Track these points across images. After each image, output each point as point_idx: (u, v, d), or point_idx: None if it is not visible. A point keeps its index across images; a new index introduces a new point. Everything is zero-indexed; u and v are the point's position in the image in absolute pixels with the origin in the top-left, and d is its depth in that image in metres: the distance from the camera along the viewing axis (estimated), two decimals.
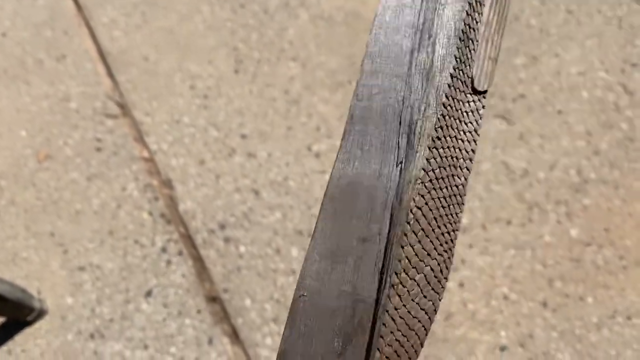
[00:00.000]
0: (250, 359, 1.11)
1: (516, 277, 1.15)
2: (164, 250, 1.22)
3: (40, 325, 1.17)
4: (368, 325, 0.29)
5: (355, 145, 0.32)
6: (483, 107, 0.36)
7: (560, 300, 1.13)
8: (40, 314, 1.17)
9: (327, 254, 0.30)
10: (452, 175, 0.33)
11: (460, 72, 0.33)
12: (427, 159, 0.31)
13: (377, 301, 0.29)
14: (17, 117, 1.41)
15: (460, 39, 0.33)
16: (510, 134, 1.30)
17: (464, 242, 1.18)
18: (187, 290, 1.18)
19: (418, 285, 0.31)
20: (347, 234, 0.30)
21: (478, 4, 0.35)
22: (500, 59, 1.40)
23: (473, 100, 0.35)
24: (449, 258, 0.33)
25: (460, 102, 0.34)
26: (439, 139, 0.32)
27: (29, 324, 1.17)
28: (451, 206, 0.33)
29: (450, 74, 0.32)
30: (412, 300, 0.31)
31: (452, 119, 0.33)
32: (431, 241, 0.32)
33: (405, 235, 0.30)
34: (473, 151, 0.35)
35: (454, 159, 0.33)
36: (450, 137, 0.33)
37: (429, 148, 0.31)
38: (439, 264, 0.33)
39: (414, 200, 0.30)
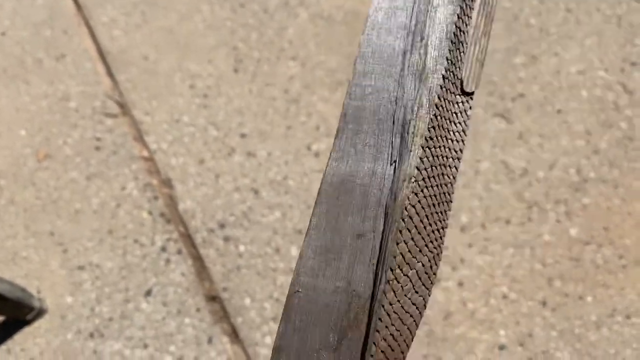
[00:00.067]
0: (250, 358, 1.11)
1: (515, 276, 1.15)
2: (163, 249, 1.22)
3: (39, 325, 1.17)
4: (364, 320, 0.29)
5: (349, 143, 0.33)
6: (470, 108, 0.37)
7: (559, 299, 1.13)
8: (40, 313, 1.17)
9: (321, 250, 0.31)
10: (442, 174, 0.34)
11: (451, 73, 0.34)
12: (420, 158, 0.31)
13: (373, 296, 0.29)
14: (16, 117, 1.41)
15: (451, 41, 0.34)
16: (509, 133, 1.30)
17: (463, 241, 1.19)
18: (186, 289, 1.18)
19: (410, 281, 0.32)
20: (341, 230, 0.31)
21: (468, 7, 0.36)
22: (499, 58, 1.40)
23: (462, 101, 0.36)
24: (438, 254, 0.34)
25: (451, 103, 0.34)
26: (431, 138, 0.32)
27: (28, 323, 1.17)
28: (441, 204, 0.34)
29: (442, 75, 0.33)
30: (405, 295, 0.31)
31: (443, 119, 0.34)
32: (423, 238, 0.32)
33: (400, 232, 0.30)
34: (461, 150, 0.36)
35: (444, 158, 0.34)
36: (441, 137, 0.34)
37: (422, 147, 0.32)
38: (429, 260, 0.33)
39: (408, 198, 0.31)
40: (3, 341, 1.16)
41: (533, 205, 1.22)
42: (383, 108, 0.33)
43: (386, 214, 0.31)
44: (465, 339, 1.10)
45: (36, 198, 1.30)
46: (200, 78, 1.43)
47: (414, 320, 0.33)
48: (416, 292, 0.32)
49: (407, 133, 0.32)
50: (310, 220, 0.32)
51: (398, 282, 0.30)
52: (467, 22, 0.36)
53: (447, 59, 0.33)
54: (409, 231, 0.31)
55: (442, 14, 0.34)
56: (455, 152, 0.36)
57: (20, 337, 1.16)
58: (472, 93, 0.36)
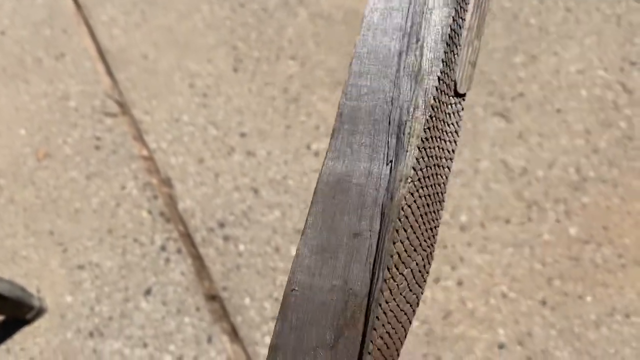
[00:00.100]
0: (250, 357, 1.11)
1: (515, 276, 1.15)
2: (163, 248, 1.22)
3: (39, 324, 1.17)
4: (361, 318, 0.29)
5: (345, 143, 0.33)
6: (462, 109, 0.37)
7: (559, 298, 1.13)
8: (40, 312, 1.17)
9: (317, 249, 0.31)
10: (436, 174, 0.35)
11: (446, 75, 0.35)
12: (416, 159, 0.32)
13: (370, 294, 0.30)
14: (16, 116, 1.41)
15: (446, 43, 0.34)
16: (509, 133, 1.30)
17: (463, 241, 1.19)
18: (186, 289, 1.18)
19: (406, 279, 0.32)
20: (337, 229, 0.31)
21: (462, 9, 0.36)
22: (499, 58, 1.40)
23: (455, 103, 0.36)
24: (431, 253, 0.35)
25: (445, 104, 0.35)
26: (426, 139, 0.33)
27: (28, 322, 1.17)
28: (435, 203, 0.35)
29: (438, 77, 0.33)
30: (401, 293, 0.32)
31: (437, 120, 0.34)
32: (417, 237, 0.33)
33: (397, 231, 0.30)
34: (454, 151, 0.37)
35: (438, 158, 0.35)
36: (436, 138, 0.34)
37: (418, 148, 0.32)
38: (423, 259, 0.34)
39: (405, 198, 0.31)
40: (3, 340, 1.16)
41: (532, 204, 1.22)
42: (379, 108, 0.33)
43: (383, 214, 0.31)
44: (465, 338, 1.11)
45: (36, 197, 1.30)
46: (199, 77, 1.43)
47: (408, 318, 0.33)
48: (410, 290, 0.33)
49: (403, 133, 0.32)
50: (307, 219, 0.32)
51: (394, 281, 0.31)
52: (461, 25, 0.36)
53: (443, 61, 0.34)
54: (405, 230, 0.31)
55: (438, 16, 0.35)
56: (449, 152, 0.36)
57: (20, 337, 1.16)
58: (465, 94, 0.37)
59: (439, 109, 0.34)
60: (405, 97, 0.33)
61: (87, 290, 1.19)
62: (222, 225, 1.24)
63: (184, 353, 1.12)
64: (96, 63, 1.48)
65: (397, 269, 0.31)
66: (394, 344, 0.32)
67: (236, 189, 1.27)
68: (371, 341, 0.29)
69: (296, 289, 0.30)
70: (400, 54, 0.34)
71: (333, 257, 0.31)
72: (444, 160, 0.36)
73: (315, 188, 0.32)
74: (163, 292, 1.18)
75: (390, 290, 0.30)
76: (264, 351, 1.12)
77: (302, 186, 1.27)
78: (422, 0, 0.35)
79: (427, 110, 0.33)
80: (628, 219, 1.19)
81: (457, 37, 0.35)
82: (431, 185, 0.34)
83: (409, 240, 0.32)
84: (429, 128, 0.33)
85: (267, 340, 1.13)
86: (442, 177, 0.36)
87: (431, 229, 0.35)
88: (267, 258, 1.20)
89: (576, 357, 1.08)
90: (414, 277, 0.33)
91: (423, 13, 0.35)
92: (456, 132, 0.37)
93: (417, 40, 0.34)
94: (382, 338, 0.30)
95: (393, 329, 0.31)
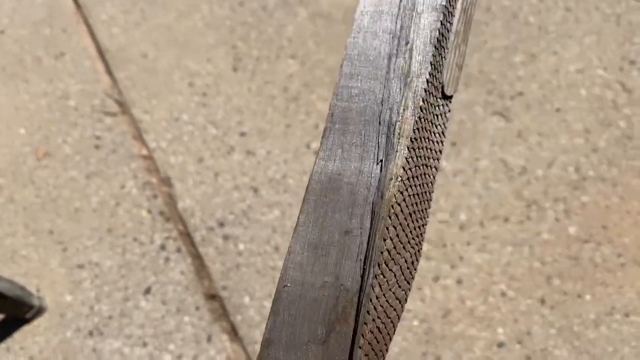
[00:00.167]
0: (249, 356, 1.11)
1: (514, 275, 1.15)
2: (162, 247, 1.22)
3: (39, 323, 1.17)
4: (352, 314, 0.30)
5: (336, 143, 0.34)
6: (449, 110, 0.39)
7: (558, 297, 1.13)
8: (39, 311, 1.17)
9: (309, 246, 0.32)
10: (425, 174, 0.36)
11: (434, 77, 0.35)
12: (406, 158, 0.33)
13: (361, 290, 0.30)
14: (15, 115, 1.41)
15: (435, 46, 0.35)
16: (508, 132, 1.30)
17: (462, 239, 1.19)
18: (185, 288, 1.18)
19: (395, 276, 0.33)
20: (329, 227, 0.32)
21: (450, 14, 0.37)
22: (498, 57, 1.40)
23: (442, 105, 0.38)
24: (419, 250, 0.36)
25: (433, 106, 0.36)
26: (415, 139, 0.34)
27: (27, 321, 1.17)
28: (422, 202, 0.36)
29: (427, 79, 0.34)
30: (390, 290, 0.33)
31: (426, 121, 0.35)
32: (406, 235, 0.34)
33: (387, 229, 0.31)
34: (441, 152, 0.38)
35: (427, 158, 0.36)
36: (424, 139, 0.35)
37: (408, 148, 0.33)
38: (411, 256, 0.35)
39: (394, 196, 0.32)
40: (2, 339, 1.16)
41: (532, 203, 1.22)
42: (369, 109, 0.34)
43: (373, 212, 0.31)
44: (464, 336, 1.11)
45: (35, 196, 1.30)
46: (199, 76, 1.43)
47: (397, 314, 0.34)
48: (399, 286, 0.34)
49: (393, 134, 0.33)
50: (299, 217, 0.33)
51: (384, 277, 0.31)
52: (449, 28, 0.37)
53: (432, 64, 0.35)
54: (395, 228, 0.32)
55: (427, 20, 0.36)
56: (436, 152, 0.37)
57: (20, 336, 1.16)
58: (452, 96, 0.38)
59: (428, 111, 0.35)
60: (395, 99, 0.34)
61: (86, 289, 1.20)
62: (221, 224, 1.24)
63: (184, 352, 1.13)
64: (96, 62, 1.48)
65: (387, 265, 0.32)
66: (384, 338, 0.32)
67: (236, 188, 1.28)
68: (362, 335, 0.30)
69: (288, 285, 0.31)
70: (390, 57, 0.35)
71: (325, 254, 0.31)
72: (432, 160, 0.37)
73: (307, 187, 0.33)
74: (163, 291, 1.18)
75: (380, 286, 0.31)
76: None
77: (302, 185, 1.27)
78: (411, 4, 0.36)
79: (416, 112, 0.33)
80: (627, 218, 1.19)
81: (445, 41, 0.36)
82: (420, 185, 0.35)
83: (398, 238, 0.33)
84: (418, 129, 0.34)
85: None
86: (430, 176, 0.37)
87: (419, 227, 0.36)
88: (266, 257, 1.20)
89: (575, 356, 1.08)
90: (403, 274, 0.34)
91: (412, 17, 0.36)
92: (443, 133, 0.38)
93: (407, 43, 0.35)
94: (372, 333, 0.31)
95: (383, 323, 0.32)
